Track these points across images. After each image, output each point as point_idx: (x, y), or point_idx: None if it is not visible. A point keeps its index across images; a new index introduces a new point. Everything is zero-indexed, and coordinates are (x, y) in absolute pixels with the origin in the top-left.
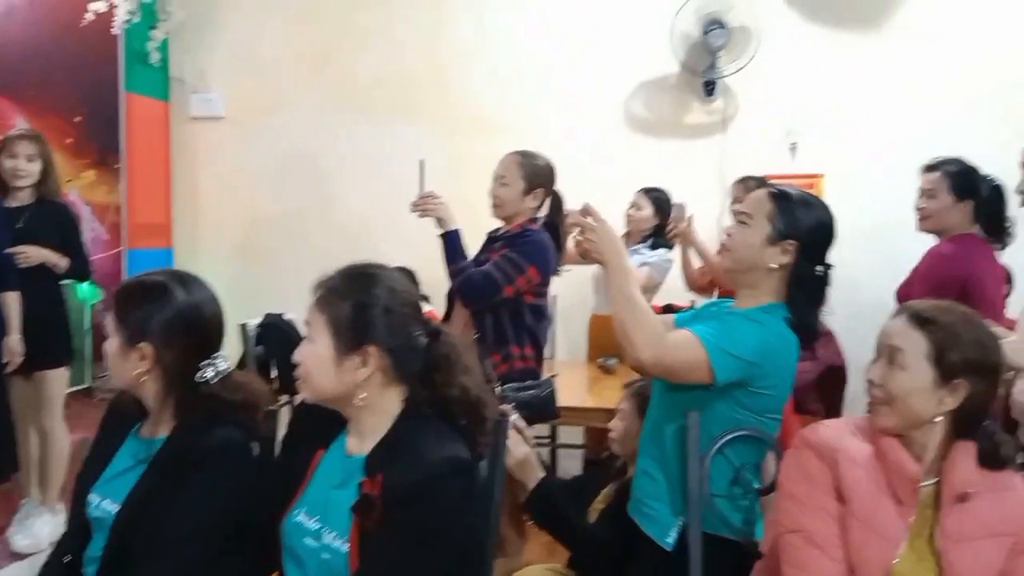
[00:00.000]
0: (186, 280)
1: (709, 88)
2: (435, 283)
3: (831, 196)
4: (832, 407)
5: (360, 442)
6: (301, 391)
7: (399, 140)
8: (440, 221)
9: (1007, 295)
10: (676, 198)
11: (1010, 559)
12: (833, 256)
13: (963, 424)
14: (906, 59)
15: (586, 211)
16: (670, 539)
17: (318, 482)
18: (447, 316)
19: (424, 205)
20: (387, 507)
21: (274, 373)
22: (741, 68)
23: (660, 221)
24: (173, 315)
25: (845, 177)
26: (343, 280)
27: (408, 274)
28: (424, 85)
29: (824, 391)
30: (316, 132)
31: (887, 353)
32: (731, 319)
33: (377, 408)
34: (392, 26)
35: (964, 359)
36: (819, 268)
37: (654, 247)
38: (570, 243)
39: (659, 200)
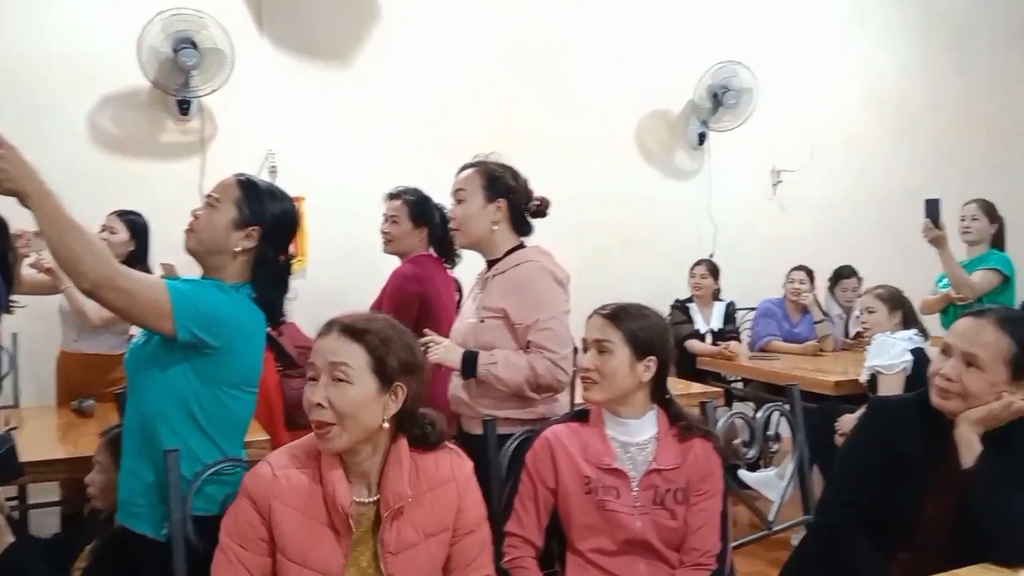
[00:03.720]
0: None
1: (184, 107)
2: None
3: (312, 218)
4: None
5: None
6: None
7: None
8: None
9: (459, 302)
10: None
11: (451, 547)
12: (320, 275)
13: (402, 423)
14: (371, 92)
15: None
16: (165, 530)
17: None
18: None
19: None
20: None
21: None
22: (216, 90)
23: (137, 246)
24: None
25: (325, 200)
26: None
27: None
28: None
29: None
30: None
31: (328, 370)
32: (202, 283)
33: None
34: None
35: (400, 362)
36: (281, 257)
37: None
38: (25, 270)
39: (134, 223)
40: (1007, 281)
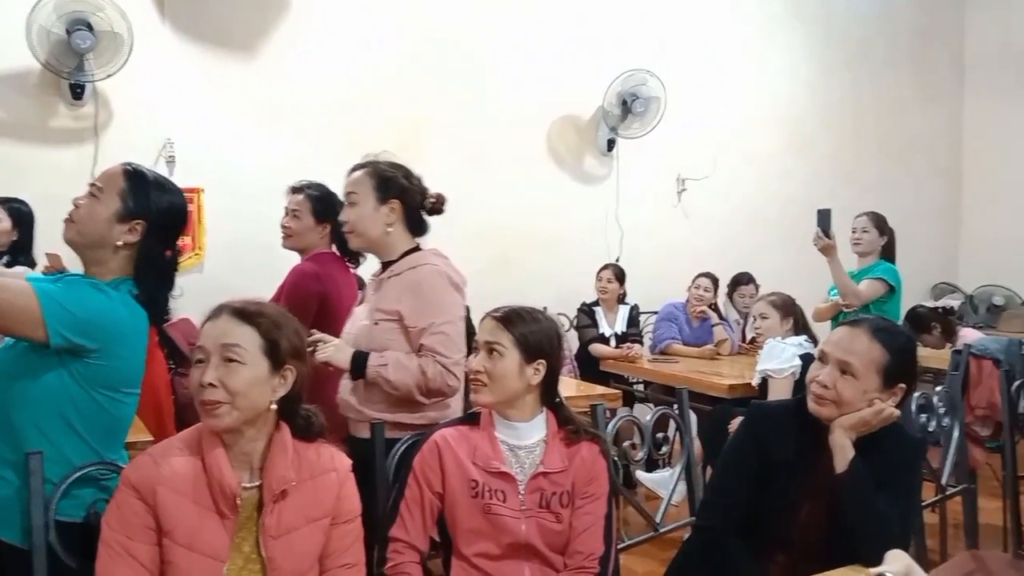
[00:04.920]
0: None
1: (77, 91)
2: None
3: (211, 210)
4: None
5: None
6: None
7: None
8: None
9: (361, 301)
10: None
11: (329, 532)
12: (217, 269)
13: (285, 409)
14: (276, 84)
15: None
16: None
17: None
18: None
19: None
20: None
21: None
22: (111, 75)
23: (20, 236)
24: None
25: (224, 192)
26: None
27: None
28: None
29: None
30: None
31: (219, 352)
32: (75, 282)
33: None
34: None
35: (291, 345)
36: (167, 253)
37: (11, 264)
38: None
39: (18, 211)
40: (893, 291)
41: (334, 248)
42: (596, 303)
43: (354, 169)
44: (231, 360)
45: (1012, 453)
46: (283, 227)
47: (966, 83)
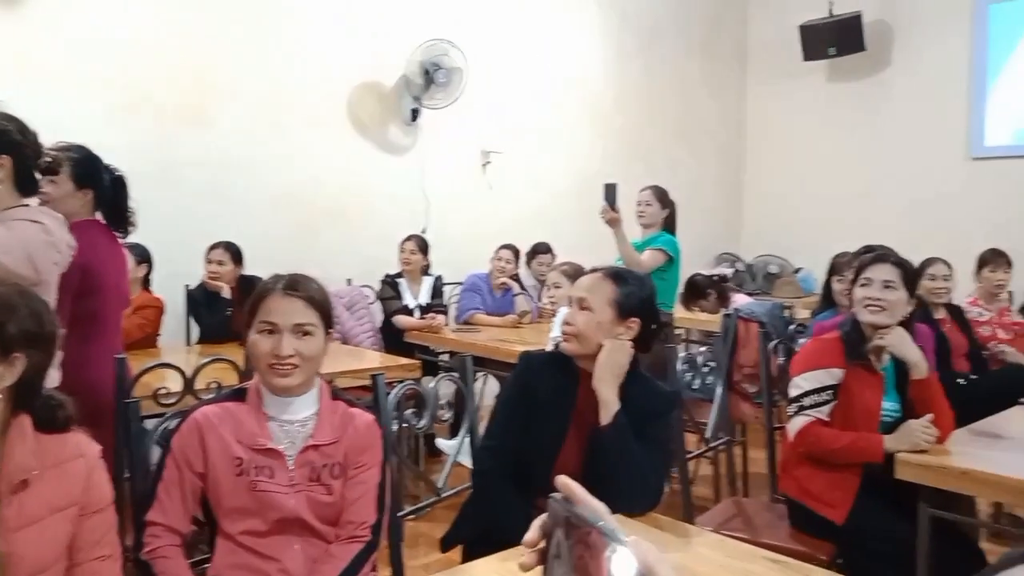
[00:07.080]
0: None
1: None
2: None
3: None
4: None
5: None
6: None
7: None
8: None
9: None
10: None
11: (77, 524)
12: None
13: (22, 397)
14: (45, 36)
15: None
16: None
17: None
18: None
19: None
20: None
21: None
22: None
23: None
24: None
25: None
26: None
27: None
28: None
29: None
30: None
31: None
32: None
33: None
34: None
35: (22, 331)
36: None
37: None
38: None
39: None
40: (671, 260)
41: (99, 216)
42: (400, 274)
43: None
44: None
45: (769, 407)
46: (39, 193)
47: (748, 68)
